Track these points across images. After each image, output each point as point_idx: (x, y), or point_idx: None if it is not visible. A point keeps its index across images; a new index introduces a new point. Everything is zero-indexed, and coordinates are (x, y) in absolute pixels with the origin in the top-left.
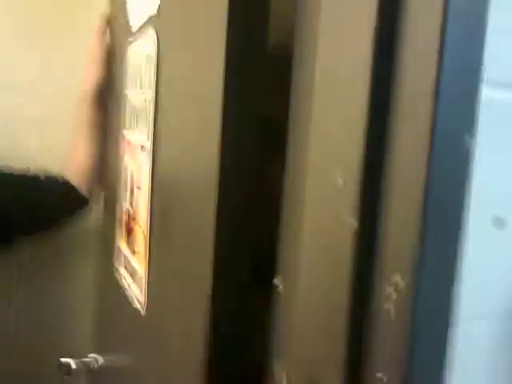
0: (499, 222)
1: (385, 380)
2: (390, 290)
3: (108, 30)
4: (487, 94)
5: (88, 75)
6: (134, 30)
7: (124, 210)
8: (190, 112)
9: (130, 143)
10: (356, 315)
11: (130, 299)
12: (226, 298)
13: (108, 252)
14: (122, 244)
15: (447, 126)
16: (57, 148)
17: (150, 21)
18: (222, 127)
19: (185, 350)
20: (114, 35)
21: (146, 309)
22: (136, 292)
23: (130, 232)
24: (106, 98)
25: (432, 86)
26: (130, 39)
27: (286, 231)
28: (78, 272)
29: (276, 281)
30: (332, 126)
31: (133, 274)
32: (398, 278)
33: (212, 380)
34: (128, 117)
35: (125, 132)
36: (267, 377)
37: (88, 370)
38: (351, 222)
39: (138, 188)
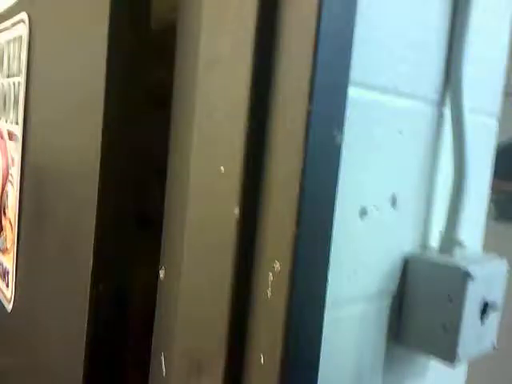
0: (363, 212)
1: (263, 360)
2: (269, 274)
3: None
4: (353, 93)
5: None
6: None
7: None
8: (68, 94)
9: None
10: (238, 300)
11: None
12: (107, 287)
13: None
14: None
15: (319, 122)
16: None
17: (20, 2)
18: (104, 107)
19: (61, 339)
20: None
21: (14, 306)
22: (5, 291)
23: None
24: None
25: (306, 87)
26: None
27: (170, 217)
28: None
29: (160, 270)
30: (216, 111)
31: (3, 273)
32: (276, 264)
33: (91, 371)
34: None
35: None
36: (151, 365)
37: None
38: (234, 210)
39: (9, 181)
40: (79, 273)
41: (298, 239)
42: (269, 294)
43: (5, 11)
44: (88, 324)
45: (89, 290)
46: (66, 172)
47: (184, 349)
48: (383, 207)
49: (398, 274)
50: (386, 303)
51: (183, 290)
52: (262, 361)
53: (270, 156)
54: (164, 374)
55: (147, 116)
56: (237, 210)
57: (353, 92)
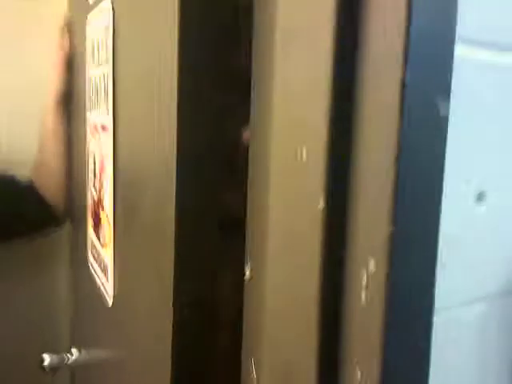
0: (481, 197)
1: (361, 370)
2: (362, 274)
3: (68, 34)
4: (461, 52)
5: (51, 82)
6: (90, 2)
7: (91, 198)
8: (145, 86)
9: (93, 125)
10: (329, 303)
11: (103, 294)
12: (190, 286)
13: (82, 245)
14: (92, 236)
15: (418, 88)
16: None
17: None
18: (178, 102)
19: (151, 339)
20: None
21: (114, 301)
22: (106, 286)
23: (98, 222)
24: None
25: (401, 47)
26: (88, 14)
27: (252, 214)
28: (56, 268)
29: (245, 269)
30: (296, 90)
31: (103, 268)
32: (371, 264)
33: (178, 369)
34: (89, 97)
35: (88, 114)
36: (239, 366)
37: (66, 364)
38: (318, 203)
39: (104, 173)
40: (162, 274)
41: (394, 237)
42: (363, 297)
43: (93, 1)
44: (173, 326)
45: (172, 291)
46: (148, 167)
47: (273, 358)
48: (506, 190)
49: None
50: (510, 301)
51: (270, 292)
52: (359, 376)
53: (358, 142)
54: (255, 380)
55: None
56: (321, 204)
57: (461, 50)
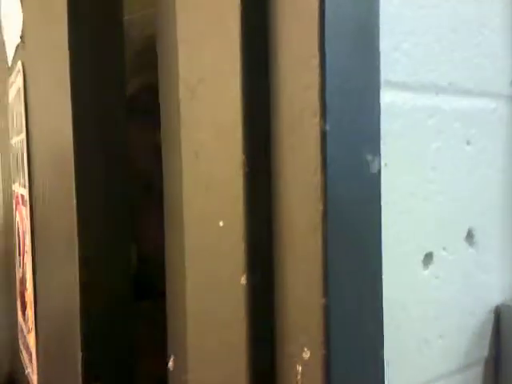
0: (428, 260)
1: None
2: (296, 366)
3: None
4: (391, 98)
5: None
6: (9, 64)
7: (18, 277)
8: (55, 150)
9: (17, 197)
10: None
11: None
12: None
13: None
14: (21, 320)
15: (341, 146)
16: None
17: (17, 50)
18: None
19: None
20: None
21: None
22: (31, 374)
23: (23, 302)
24: None
25: (316, 97)
26: (7, 76)
27: (171, 289)
28: None
29: (168, 359)
30: (204, 147)
31: (30, 355)
32: (305, 351)
33: None
34: (13, 168)
35: (13, 187)
36: None
37: None
38: (240, 278)
39: (24, 249)
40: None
41: (328, 314)
42: None
43: (12, 62)
44: None
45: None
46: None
47: None
48: (457, 248)
49: (487, 332)
50: (475, 373)
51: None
52: None
53: (279, 203)
54: None
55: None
56: (244, 279)
57: (389, 96)
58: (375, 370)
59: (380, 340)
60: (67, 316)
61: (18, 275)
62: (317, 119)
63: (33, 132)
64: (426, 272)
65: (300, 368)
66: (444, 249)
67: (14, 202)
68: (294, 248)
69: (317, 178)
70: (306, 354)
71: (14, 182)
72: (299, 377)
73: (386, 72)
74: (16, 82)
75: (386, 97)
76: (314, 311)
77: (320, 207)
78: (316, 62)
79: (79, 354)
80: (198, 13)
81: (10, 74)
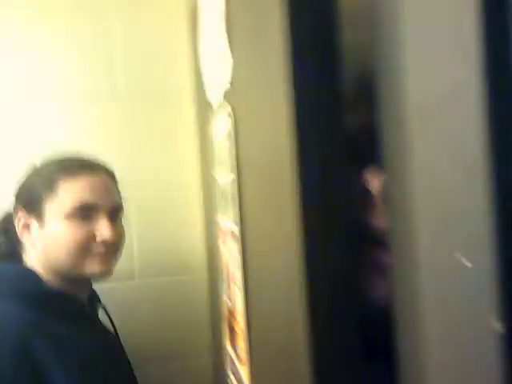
0: None
1: None
2: None
3: None
4: None
5: None
6: (214, 107)
7: (225, 305)
8: (268, 190)
9: (222, 229)
10: None
11: None
12: None
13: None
14: (227, 345)
15: None
16: None
17: (225, 95)
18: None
19: None
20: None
21: None
22: None
23: (232, 331)
24: None
25: None
26: (212, 117)
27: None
28: None
29: None
30: (442, 175)
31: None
32: None
33: None
34: (218, 200)
35: (218, 217)
36: None
37: None
38: (493, 322)
39: (233, 281)
40: None
41: None
42: None
43: (217, 105)
44: None
45: None
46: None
47: None
48: None
49: None
50: None
51: None
52: None
53: None
54: None
55: None
56: (498, 324)
57: None
58: None
59: None
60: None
61: (225, 302)
62: None
63: (243, 172)
64: None
65: None
66: None
67: (217, 231)
68: None
69: None
70: None
71: (217, 213)
72: None
73: None
74: (224, 124)
75: None
76: None
77: None
78: None
79: None
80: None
81: (216, 116)
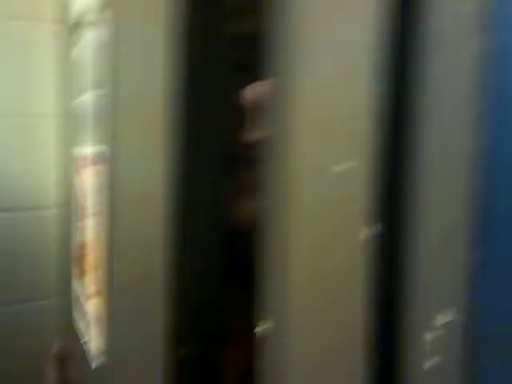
0: None
1: None
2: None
3: None
4: None
5: None
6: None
7: (75, 244)
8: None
9: (79, 160)
10: None
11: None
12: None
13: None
14: (77, 289)
15: None
16: None
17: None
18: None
19: None
20: None
21: (105, 357)
22: (89, 342)
23: (82, 272)
24: None
25: None
26: (73, 37)
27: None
28: None
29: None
30: None
31: (87, 323)
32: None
33: None
34: (80, 127)
35: (75, 150)
36: None
37: None
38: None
39: (88, 216)
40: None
41: None
42: None
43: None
44: None
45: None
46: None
47: None
48: None
49: None
50: None
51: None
52: None
53: None
54: None
55: None
56: (363, 232)
57: None
58: None
59: None
60: (149, 276)
61: (74, 243)
62: None
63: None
64: None
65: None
66: None
67: (73, 165)
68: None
69: None
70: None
71: (75, 145)
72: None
73: None
74: (98, 38)
75: None
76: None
77: None
78: None
79: (162, 316)
80: None
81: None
